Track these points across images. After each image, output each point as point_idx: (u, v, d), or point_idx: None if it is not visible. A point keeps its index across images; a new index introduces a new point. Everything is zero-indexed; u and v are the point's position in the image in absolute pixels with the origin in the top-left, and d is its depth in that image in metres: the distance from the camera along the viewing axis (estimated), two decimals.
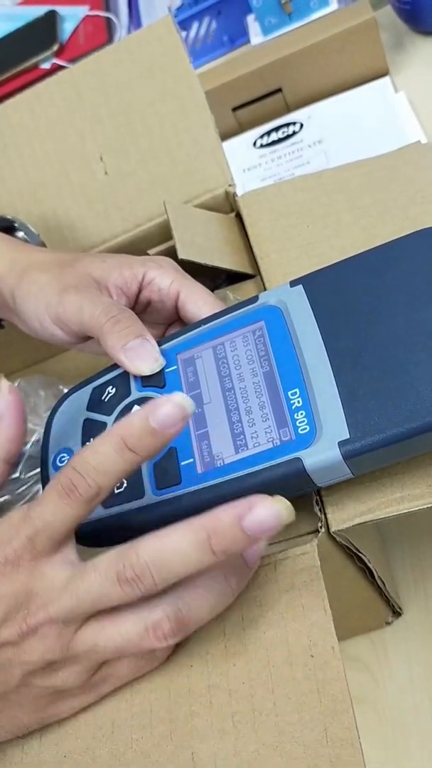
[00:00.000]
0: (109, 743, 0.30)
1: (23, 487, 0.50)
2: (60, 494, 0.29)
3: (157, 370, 0.35)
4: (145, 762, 0.29)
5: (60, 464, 0.36)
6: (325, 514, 0.32)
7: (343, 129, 0.70)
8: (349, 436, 0.29)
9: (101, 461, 0.28)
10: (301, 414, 0.31)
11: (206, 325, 0.36)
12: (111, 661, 0.30)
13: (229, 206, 0.47)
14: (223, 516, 0.27)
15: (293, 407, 0.31)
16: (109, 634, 0.29)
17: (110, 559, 0.28)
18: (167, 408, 0.28)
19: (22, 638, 0.29)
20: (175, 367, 0.36)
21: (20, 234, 0.49)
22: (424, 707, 0.42)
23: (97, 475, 0.28)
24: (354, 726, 0.27)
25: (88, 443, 0.30)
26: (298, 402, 0.31)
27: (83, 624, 0.29)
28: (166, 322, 0.41)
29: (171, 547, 0.27)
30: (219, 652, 0.31)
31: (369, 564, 0.35)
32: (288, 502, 0.27)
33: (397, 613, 0.43)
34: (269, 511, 0.27)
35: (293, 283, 0.35)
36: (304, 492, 0.32)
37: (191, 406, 0.28)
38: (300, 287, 0.34)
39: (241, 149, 0.74)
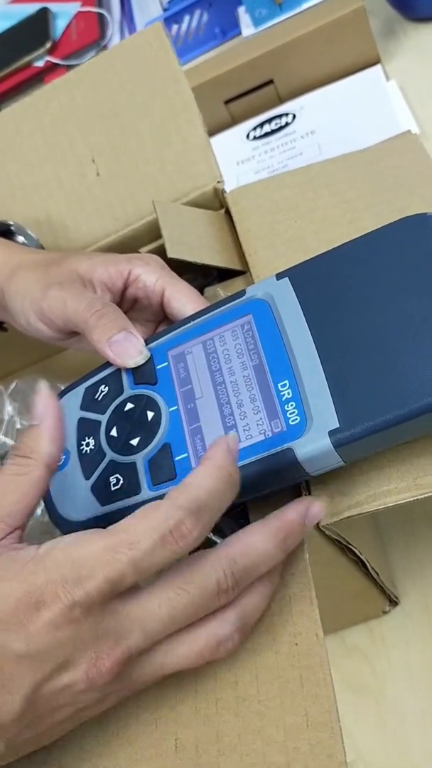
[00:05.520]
0: (96, 732, 0.31)
1: None
2: (164, 539, 0.26)
3: (142, 362, 0.36)
4: (129, 749, 0.30)
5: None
6: None
7: (336, 119, 0.70)
8: (338, 425, 0.30)
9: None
10: (291, 405, 0.31)
11: (195, 321, 0.37)
12: None
13: (218, 203, 0.48)
14: (293, 517, 0.30)
15: (283, 399, 0.32)
16: (183, 653, 0.28)
17: (208, 582, 0.27)
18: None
19: (90, 683, 0.26)
20: (166, 363, 0.36)
21: (20, 239, 0.50)
22: (423, 695, 0.42)
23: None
24: (334, 710, 0.27)
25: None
26: (288, 393, 0.32)
27: (150, 649, 0.28)
28: (155, 319, 0.41)
29: (257, 552, 0.29)
30: None
31: (361, 555, 0.36)
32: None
33: (393, 602, 0.44)
34: (322, 505, 0.31)
35: (279, 276, 0.35)
36: (297, 481, 0.33)
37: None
38: (286, 280, 0.35)
39: (234, 142, 0.74)
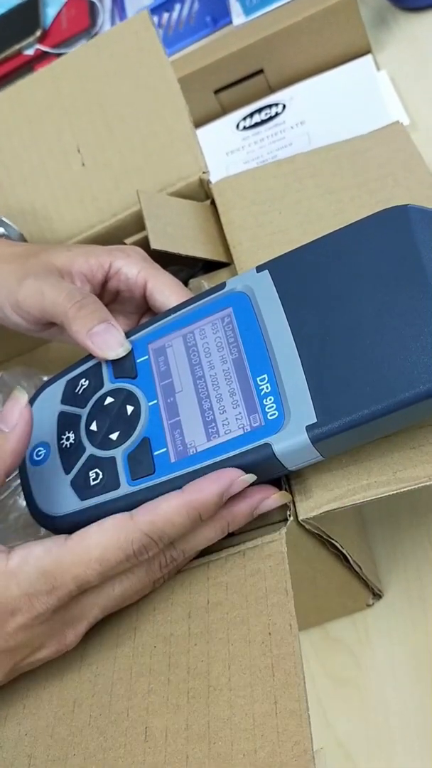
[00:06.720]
0: (69, 721, 0.31)
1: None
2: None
3: (123, 354, 0.36)
4: (100, 739, 0.30)
5: (37, 458, 0.36)
6: (294, 503, 0.33)
7: (326, 109, 0.69)
8: (316, 420, 0.29)
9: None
10: (270, 400, 0.31)
11: (176, 314, 0.36)
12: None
13: (204, 194, 0.47)
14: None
15: (262, 393, 0.31)
16: (115, 597, 0.32)
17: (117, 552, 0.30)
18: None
19: (59, 652, 0.31)
20: (146, 357, 0.36)
21: (0, 230, 0.50)
22: (406, 688, 0.42)
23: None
24: (304, 698, 0.27)
25: None
26: (267, 388, 0.31)
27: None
28: (138, 312, 0.41)
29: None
30: (182, 634, 0.32)
31: (342, 549, 0.35)
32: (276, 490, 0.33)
33: (377, 595, 0.44)
34: (277, 499, 0.32)
35: (259, 269, 0.35)
36: (276, 476, 0.32)
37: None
38: (266, 272, 0.34)
39: (223, 132, 0.73)
